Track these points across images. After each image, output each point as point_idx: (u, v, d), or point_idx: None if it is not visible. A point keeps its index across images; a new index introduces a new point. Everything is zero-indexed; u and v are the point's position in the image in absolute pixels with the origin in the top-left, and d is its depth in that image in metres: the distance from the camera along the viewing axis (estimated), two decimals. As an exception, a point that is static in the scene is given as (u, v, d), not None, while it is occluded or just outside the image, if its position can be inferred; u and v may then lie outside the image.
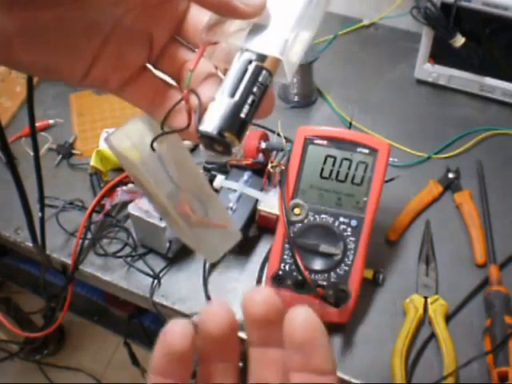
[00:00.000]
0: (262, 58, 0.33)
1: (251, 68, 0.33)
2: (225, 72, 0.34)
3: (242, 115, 0.33)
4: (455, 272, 0.76)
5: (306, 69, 0.94)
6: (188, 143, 0.82)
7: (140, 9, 0.33)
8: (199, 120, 0.33)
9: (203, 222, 0.40)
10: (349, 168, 0.71)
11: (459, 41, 0.88)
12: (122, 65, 0.34)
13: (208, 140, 0.33)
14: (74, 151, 0.92)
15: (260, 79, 0.33)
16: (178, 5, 0.35)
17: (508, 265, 0.76)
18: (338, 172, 0.71)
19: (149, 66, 0.36)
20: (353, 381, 0.68)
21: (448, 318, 0.72)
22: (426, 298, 0.72)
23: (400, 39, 1.07)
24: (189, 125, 0.34)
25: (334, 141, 0.72)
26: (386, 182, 0.73)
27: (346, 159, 0.71)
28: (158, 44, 0.35)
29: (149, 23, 0.34)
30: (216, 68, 0.35)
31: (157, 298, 0.75)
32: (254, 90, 0.33)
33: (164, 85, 0.37)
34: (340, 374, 0.68)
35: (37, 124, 0.70)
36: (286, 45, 0.33)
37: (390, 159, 0.75)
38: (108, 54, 0.33)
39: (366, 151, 0.71)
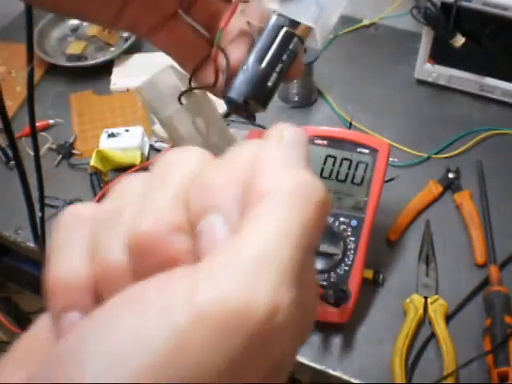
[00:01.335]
0: (294, 24, 0.33)
1: (282, 34, 0.32)
2: (257, 29, 0.34)
3: (269, 83, 0.32)
4: (455, 272, 0.76)
5: (306, 69, 0.94)
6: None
7: None
8: (226, 81, 0.33)
9: None
10: (349, 168, 0.71)
11: (459, 41, 0.88)
12: (152, 8, 0.34)
13: (234, 105, 0.33)
14: (73, 151, 0.92)
15: (290, 47, 0.33)
16: None
17: (508, 265, 0.76)
18: (338, 172, 0.71)
19: (180, 12, 0.36)
20: (353, 381, 0.68)
21: (448, 318, 0.72)
22: (426, 298, 0.72)
23: (400, 39, 1.07)
24: (215, 83, 0.34)
25: (334, 141, 0.72)
26: (386, 181, 0.73)
27: (346, 159, 0.71)
28: None
29: None
30: (248, 23, 0.34)
31: (157, 298, 0.75)
32: (284, 57, 0.33)
33: (194, 34, 0.36)
34: (340, 374, 0.68)
35: (37, 124, 0.70)
36: (320, 13, 0.32)
37: (390, 159, 0.75)
38: None
39: (366, 151, 0.71)
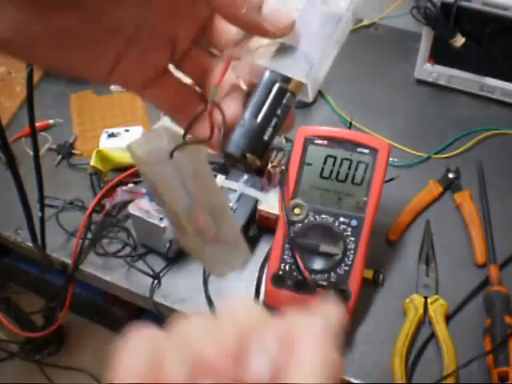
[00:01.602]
0: (286, 79, 0.34)
1: (275, 90, 0.34)
2: (248, 83, 0.35)
3: (265, 138, 0.34)
4: (455, 272, 0.76)
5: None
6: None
7: (164, 11, 0.33)
8: (224, 136, 0.34)
9: (215, 238, 0.40)
10: (349, 168, 0.71)
11: (459, 41, 0.88)
12: (144, 65, 0.35)
13: (232, 159, 0.34)
14: (74, 151, 0.92)
15: (284, 101, 0.34)
16: (202, 9, 0.35)
17: (508, 265, 0.76)
18: (338, 172, 0.71)
19: (171, 68, 0.37)
20: (353, 381, 0.68)
21: (448, 318, 0.72)
22: (425, 298, 0.72)
23: (400, 39, 1.07)
24: (211, 137, 0.35)
25: (334, 141, 0.72)
26: (386, 181, 0.73)
27: (346, 159, 0.71)
28: (180, 46, 0.36)
29: (172, 25, 0.34)
30: (238, 77, 0.36)
31: (157, 298, 0.75)
32: (278, 112, 0.34)
33: (186, 89, 0.37)
34: (340, 374, 0.68)
35: (37, 124, 0.70)
36: (312, 69, 0.33)
37: (390, 159, 0.74)
38: (131, 54, 0.34)
39: (366, 151, 0.71)
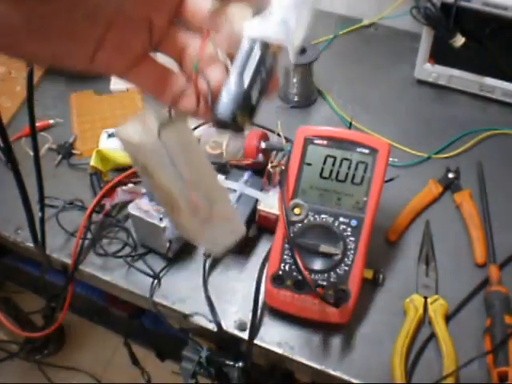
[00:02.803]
0: (266, 43, 0.35)
1: (257, 54, 0.35)
2: (228, 55, 0.36)
3: (252, 101, 0.35)
4: (455, 272, 0.76)
5: (306, 69, 0.94)
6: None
7: None
8: (212, 104, 0.35)
9: (210, 217, 0.40)
10: (349, 168, 0.71)
11: (459, 41, 0.88)
12: (124, 49, 0.36)
13: (222, 124, 0.35)
14: (73, 151, 0.92)
15: (266, 64, 0.35)
16: None
17: (508, 265, 0.76)
18: (338, 172, 0.71)
19: (150, 51, 0.38)
20: (353, 381, 0.68)
21: (448, 318, 0.72)
22: (425, 298, 0.72)
23: (400, 39, 1.07)
24: (198, 106, 0.36)
25: (334, 141, 0.72)
26: (386, 181, 0.73)
27: (346, 159, 0.71)
28: (157, 28, 0.36)
29: (147, 8, 0.35)
30: (217, 49, 0.37)
31: (157, 298, 0.75)
32: (261, 75, 0.35)
33: (168, 69, 0.38)
34: (340, 374, 0.68)
35: (37, 124, 0.70)
36: (288, 30, 0.35)
37: (390, 159, 0.75)
38: (110, 39, 0.34)
39: (366, 151, 0.71)
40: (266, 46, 0.35)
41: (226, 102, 0.35)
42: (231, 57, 0.36)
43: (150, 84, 0.38)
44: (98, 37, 0.34)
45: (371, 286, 0.75)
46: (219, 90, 0.35)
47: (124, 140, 0.37)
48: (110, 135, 0.89)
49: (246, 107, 0.35)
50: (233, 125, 0.35)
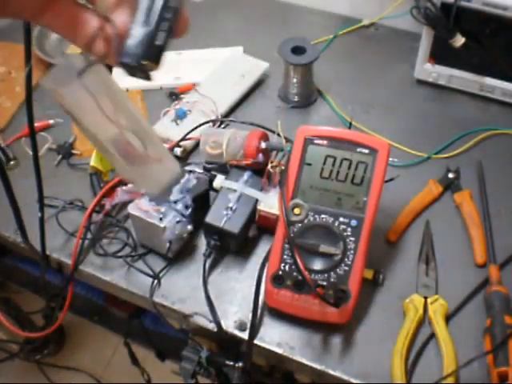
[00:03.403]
0: None
1: None
2: None
3: (158, 42, 0.35)
4: (455, 272, 0.76)
5: (306, 69, 0.94)
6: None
7: None
8: (118, 47, 0.35)
9: (144, 158, 0.41)
10: (349, 168, 0.71)
11: (459, 41, 0.88)
12: None
13: (129, 68, 0.36)
14: (73, 151, 0.92)
15: (172, 4, 0.35)
16: None
17: (508, 265, 0.76)
18: (338, 172, 0.71)
19: None
20: (353, 381, 0.68)
21: (448, 318, 0.72)
22: (425, 298, 0.72)
23: (400, 39, 1.07)
24: (109, 52, 0.36)
25: (334, 141, 0.72)
26: (386, 181, 0.73)
27: (346, 159, 0.71)
28: None
29: None
30: None
31: (157, 298, 0.75)
32: (167, 15, 0.35)
33: (79, 9, 0.38)
34: (340, 374, 0.68)
35: (37, 124, 0.71)
36: None
37: (390, 159, 0.75)
38: None
39: (366, 151, 0.71)
40: None
41: (131, 46, 0.35)
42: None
43: (63, 26, 0.38)
44: None
45: (371, 285, 0.75)
46: (125, 34, 0.35)
47: (49, 88, 0.37)
48: (109, 135, 0.89)
49: (152, 50, 0.35)
50: (139, 69, 0.35)
